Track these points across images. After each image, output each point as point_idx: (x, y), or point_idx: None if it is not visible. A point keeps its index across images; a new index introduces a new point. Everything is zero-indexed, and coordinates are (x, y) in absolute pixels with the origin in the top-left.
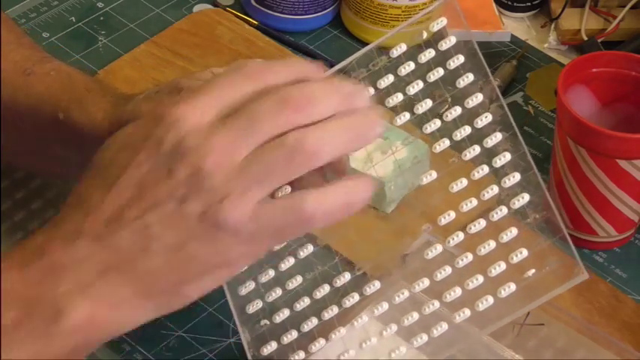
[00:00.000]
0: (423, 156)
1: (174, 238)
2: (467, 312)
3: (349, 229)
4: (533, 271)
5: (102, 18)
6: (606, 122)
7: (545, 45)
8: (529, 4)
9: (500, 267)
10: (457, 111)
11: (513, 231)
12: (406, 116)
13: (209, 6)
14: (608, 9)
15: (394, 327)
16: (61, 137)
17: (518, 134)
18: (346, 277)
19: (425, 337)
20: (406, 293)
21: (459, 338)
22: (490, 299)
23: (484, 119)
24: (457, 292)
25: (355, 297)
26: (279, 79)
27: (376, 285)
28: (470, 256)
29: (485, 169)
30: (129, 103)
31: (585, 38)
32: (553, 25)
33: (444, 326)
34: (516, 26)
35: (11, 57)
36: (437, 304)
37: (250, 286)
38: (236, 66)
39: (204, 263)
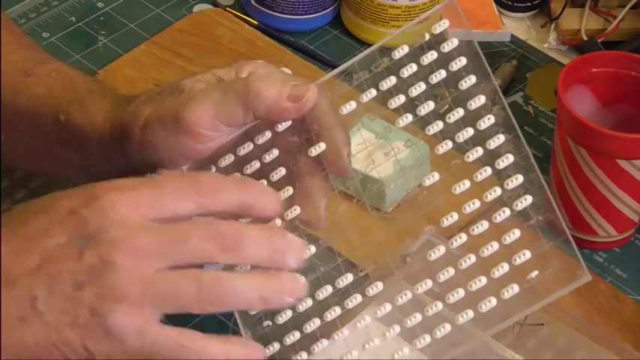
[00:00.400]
0: (424, 157)
1: (56, 319)
2: (470, 313)
3: (351, 231)
4: (536, 272)
5: (102, 18)
6: (606, 122)
7: (545, 45)
8: (529, 4)
9: (502, 268)
10: (459, 113)
11: (516, 232)
12: (408, 118)
13: (209, 6)
14: (608, 9)
15: (397, 328)
16: (61, 138)
17: (521, 136)
18: (349, 278)
19: (428, 339)
20: (409, 294)
21: (461, 339)
22: (493, 300)
23: (486, 121)
24: (460, 293)
25: (358, 298)
26: (226, 206)
27: (379, 286)
28: (473, 258)
29: (488, 170)
30: (130, 104)
31: (585, 38)
32: (553, 25)
33: (447, 327)
34: (516, 26)
35: (11, 58)
36: (440, 305)
37: None
38: (192, 176)
39: (77, 354)
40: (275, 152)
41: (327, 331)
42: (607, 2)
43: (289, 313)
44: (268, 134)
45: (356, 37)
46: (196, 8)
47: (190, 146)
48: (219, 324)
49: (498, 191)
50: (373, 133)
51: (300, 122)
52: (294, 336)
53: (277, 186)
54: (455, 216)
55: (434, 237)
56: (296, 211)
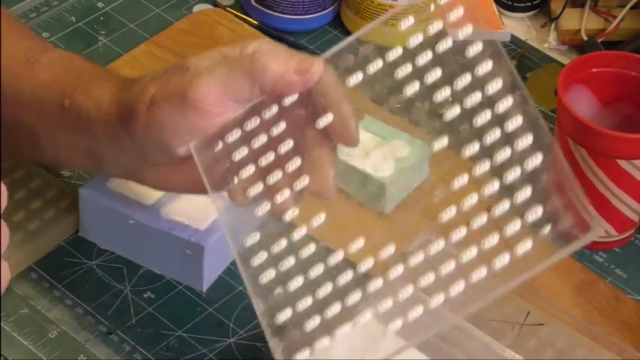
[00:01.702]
0: (423, 157)
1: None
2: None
3: (348, 229)
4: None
5: (102, 18)
6: (606, 122)
7: (545, 45)
8: (529, 4)
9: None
10: (487, 115)
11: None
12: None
13: (209, 6)
14: (608, 9)
15: (399, 323)
16: (67, 125)
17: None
18: (349, 275)
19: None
20: (410, 290)
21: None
22: (484, 270)
23: (514, 123)
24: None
25: (370, 262)
26: None
27: (379, 283)
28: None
29: (487, 164)
30: (135, 85)
31: (585, 38)
32: (553, 25)
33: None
34: (516, 26)
35: (14, 48)
36: (442, 297)
37: (263, 256)
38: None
39: None
40: (282, 125)
41: (340, 294)
42: (607, 2)
43: (301, 280)
44: (275, 108)
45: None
46: (196, 8)
47: (197, 123)
48: (219, 324)
49: (496, 185)
50: (372, 133)
51: (306, 96)
52: (307, 301)
53: (285, 158)
54: (454, 211)
55: (433, 235)
56: (305, 181)
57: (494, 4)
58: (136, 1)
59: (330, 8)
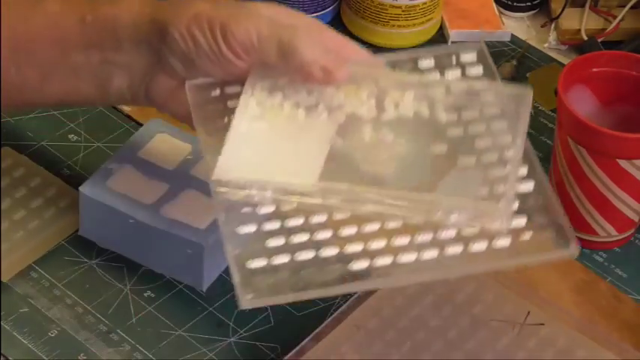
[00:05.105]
0: (423, 154)
1: None
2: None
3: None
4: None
5: None
6: (606, 122)
7: (545, 45)
8: (529, 4)
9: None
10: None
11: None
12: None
13: None
14: (608, 9)
15: None
16: (84, 40)
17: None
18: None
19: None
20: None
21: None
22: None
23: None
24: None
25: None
26: None
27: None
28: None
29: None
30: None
31: (585, 38)
32: (553, 25)
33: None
34: (516, 26)
35: None
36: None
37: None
38: None
39: None
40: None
41: None
42: (607, 2)
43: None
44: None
45: (356, 37)
46: None
47: (226, 57)
48: (219, 324)
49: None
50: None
51: None
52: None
53: None
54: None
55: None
56: None
57: (494, 4)
58: None
59: (330, 8)
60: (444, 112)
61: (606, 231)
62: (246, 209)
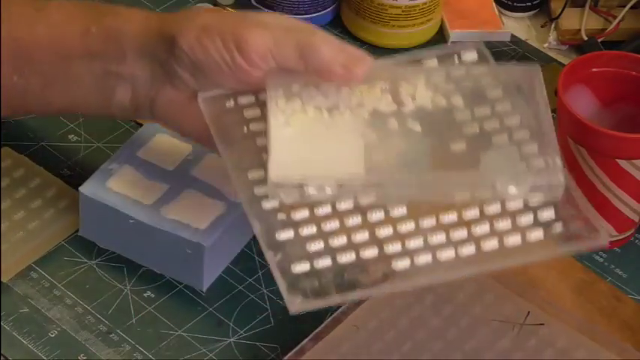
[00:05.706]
0: (424, 151)
1: None
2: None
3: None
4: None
5: None
6: (606, 122)
7: (545, 45)
8: (529, 3)
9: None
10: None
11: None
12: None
13: (209, 6)
14: (608, 9)
15: None
16: (88, 50)
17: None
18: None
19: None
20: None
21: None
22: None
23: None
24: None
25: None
26: None
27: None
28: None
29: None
30: (183, 10)
31: (585, 38)
32: (553, 25)
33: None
34: (516, 26)
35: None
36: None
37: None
38: None
39: None
40: None
41: None
42: (607, 2)
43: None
44: None
45: (356, 37)
46: None
47: (240, 67)
48: (219, 324)
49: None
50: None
51: None
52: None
53: None
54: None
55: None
56: None
57: (494, 4)
58: (136, 1)
59: (330, 8)
60: (460, 98)
61: (606, 231)
62: (281, 216)
